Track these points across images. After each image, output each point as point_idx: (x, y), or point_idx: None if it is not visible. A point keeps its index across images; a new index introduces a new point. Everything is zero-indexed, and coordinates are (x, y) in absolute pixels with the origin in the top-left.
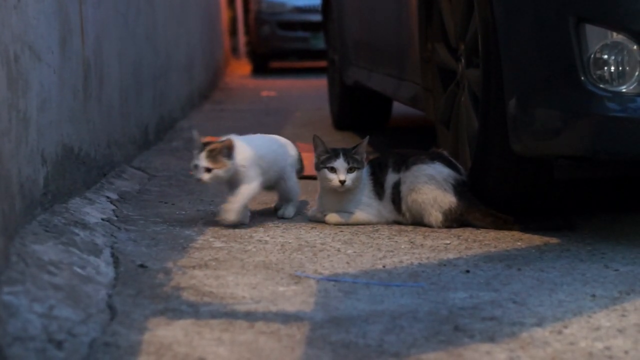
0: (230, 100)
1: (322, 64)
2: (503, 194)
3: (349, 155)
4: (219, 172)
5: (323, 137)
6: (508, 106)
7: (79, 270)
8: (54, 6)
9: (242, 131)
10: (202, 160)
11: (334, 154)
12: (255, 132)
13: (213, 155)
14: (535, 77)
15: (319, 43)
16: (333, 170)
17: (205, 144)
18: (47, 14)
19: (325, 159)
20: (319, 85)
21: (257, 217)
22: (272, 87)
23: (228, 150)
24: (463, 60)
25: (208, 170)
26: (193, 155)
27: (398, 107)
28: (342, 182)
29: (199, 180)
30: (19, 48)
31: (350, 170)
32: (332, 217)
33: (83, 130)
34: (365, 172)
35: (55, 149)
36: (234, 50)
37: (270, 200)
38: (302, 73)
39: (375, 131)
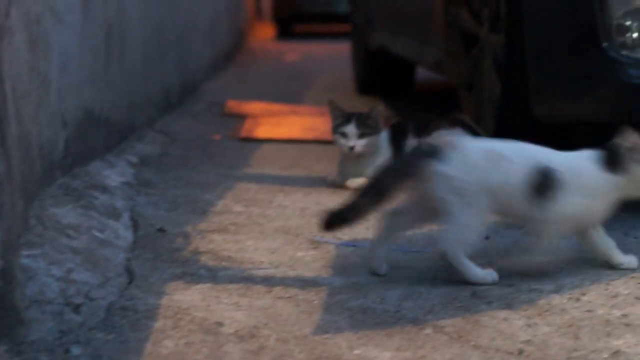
0: (254, 63)
1: (346, 28)
2: None
3: (361, 120)
4: None
5: (346, 102)
6: (530, 71)
7: (97, 233)
8: None
9: (264, 95)
10: None
11: (347, 119)
12: (277, 95)
13: None
14: (558, 43)
15: (343, 7)
16: (344, 135)
17: None
18: None
19: (338, 124)
20: (342, 49)
21: (278, 181)
22: (296, 51)
23: None
24: (486, 25)
25: None
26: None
27: (422, 72)
28: (352, 148)
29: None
30: (41, 10)
31: (361, 135)
32: (352, 182)
33: (104, 93)
34: (384, 137)
35: (76, 111)
36: (258, 13)
37: (291, 164)
38: (327, 37)
39: (399, 96)
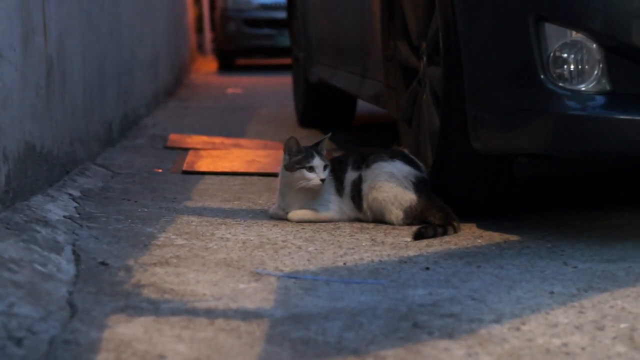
0: (196, 97)
1: (288, 61)
2: (463, 191)
3: (320, 152)
4: None
5: (288, 135)
6: (468, 104)
7: (39, 267)
8: (17, 4)
9: (206, 128)
10: None
11: (309, 153)
12: (219, 128)
13: None
14: (495, 75)
15: (285, 40)
16: (312, 169)
17: None
18: (9, 12)
19: (301, 159)
20: (284, 82)
21: (220, 214)
22: (237, 84)
23: None
24: (425, 58)
25: None
26: None
27: (363, 105)
28: (323, 180)
29: None
30: None
31: (325, 167)
32: (294, 214)
33: (45, 128)
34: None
35: (17, 146)
36: (200, 47)
37: (233, 197)
38: (268, 70)
39: (340, 128)
